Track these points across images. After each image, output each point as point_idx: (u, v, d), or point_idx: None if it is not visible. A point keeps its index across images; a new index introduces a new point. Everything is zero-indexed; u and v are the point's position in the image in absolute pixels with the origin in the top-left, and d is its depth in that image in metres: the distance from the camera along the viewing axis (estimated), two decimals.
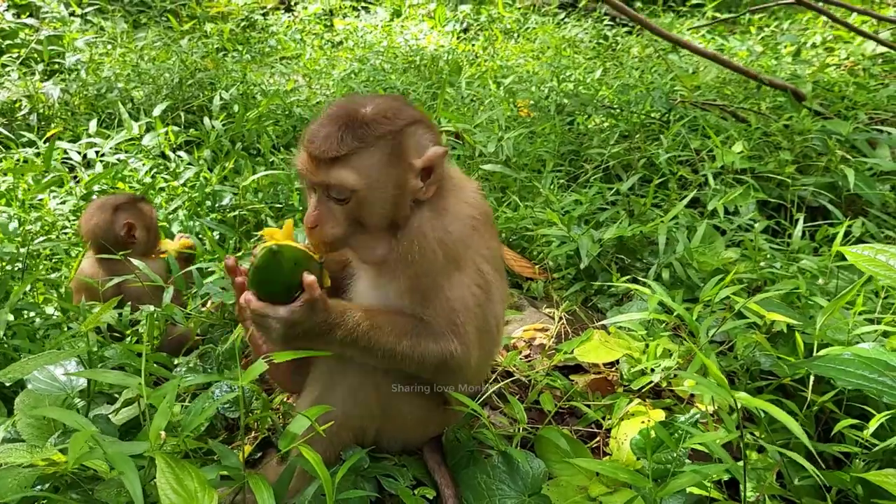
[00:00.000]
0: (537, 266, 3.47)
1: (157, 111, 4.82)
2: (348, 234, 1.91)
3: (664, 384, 2.43)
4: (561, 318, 2.95)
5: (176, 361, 2.84)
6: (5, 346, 2.61)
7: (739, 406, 1.57)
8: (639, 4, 11.96)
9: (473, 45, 10.12)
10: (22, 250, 3.40)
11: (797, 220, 3.55)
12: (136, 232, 3.41)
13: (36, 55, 6.53)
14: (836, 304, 2.37)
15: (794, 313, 2.67)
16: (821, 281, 3.19)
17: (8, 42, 6.71)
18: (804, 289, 2.89)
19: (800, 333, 2.49)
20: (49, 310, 3.17)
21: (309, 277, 1.76)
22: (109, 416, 2.26)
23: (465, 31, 11.07)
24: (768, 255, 3.38)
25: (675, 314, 2.39)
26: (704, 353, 2.29)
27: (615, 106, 5.86)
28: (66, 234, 3.99)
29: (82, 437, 1.46)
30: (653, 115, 5.49)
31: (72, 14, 7.88)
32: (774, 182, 4.33)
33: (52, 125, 5.25)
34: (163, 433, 1.70)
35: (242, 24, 10.27)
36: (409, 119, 1.88)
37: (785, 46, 9.26)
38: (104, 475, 1.77)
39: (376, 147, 1.83)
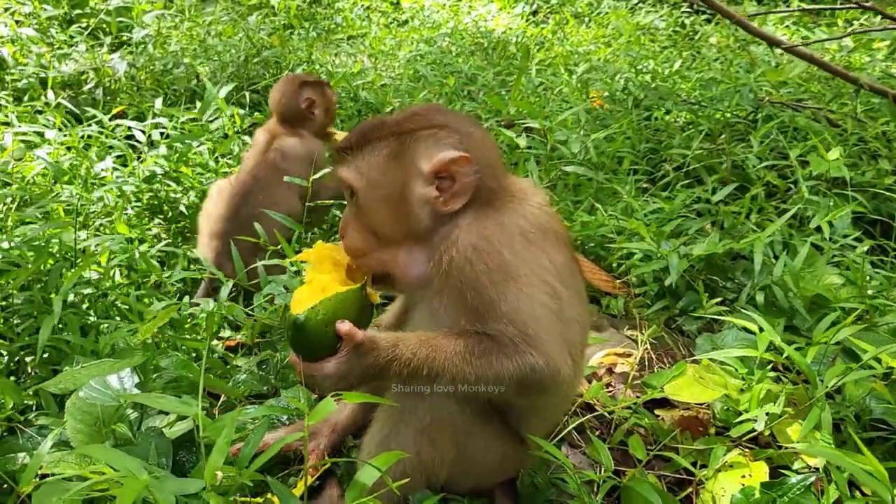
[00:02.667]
0: (617, 280, 3.22)
1: (222, 93, 4.69)
2: (372, 246, 1.86)
3: (766, 433, 2.18)
4: (645, 343, 2.71)
5: (235, 363, 2.71)
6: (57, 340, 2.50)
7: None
8: None
9: (543, 28, 9.80)
10: (82, 234, 3.31)
11: None
12: (316, 110, 3.78)
13: (105, 26, 6.48)
14: None
15: None
16: None
17: (77, 11, 6.66)
18: None
19: None
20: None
21: (344, 327, 1.67)
22: (163, 429, 2.13)
23: (535, 13, 10.73)
24: (869, 278, 3.08)
25: (784, 355, 2.13)
26: (821, 404, 2.04)
27: (696, 102, 5.52)
28: (126, 215, 3.89)
29: (134, 487, 1.30)
30: (739, 114, 5.15)
31: None
32: (870, 194, 3.99)
33: (118, 100, 5.18)
34: (219, 473, 1.54)
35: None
36: (425, 124, 1.80)
37: (875, 41, 8.70)
38: None
39: (378, 147, 1.80)
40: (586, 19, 10.41)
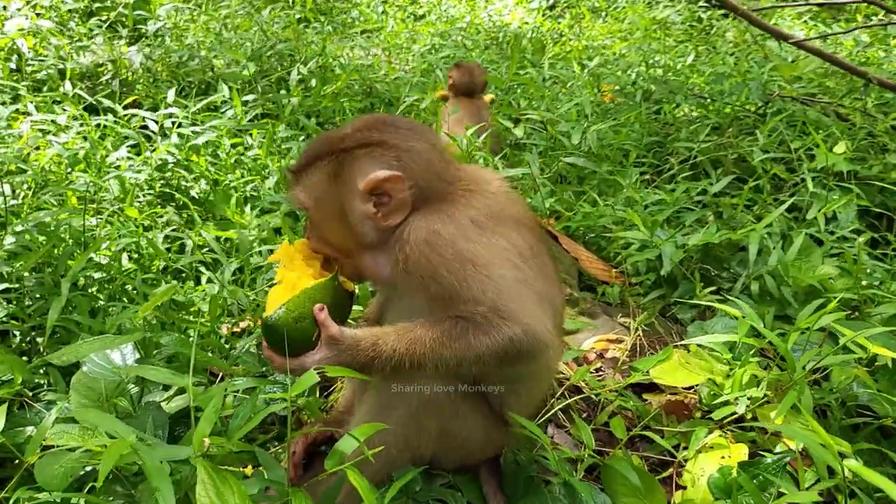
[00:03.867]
0: (614, 269, 3.26)
1: (247, 70, 4.76)
2: (335, 254, 1.96)
3: (749, 416, 2.22)
4: (637, 330, 2.75)
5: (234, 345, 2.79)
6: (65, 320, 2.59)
7: (845, 475, 1.36)
8: None
9: (559, 22, 9.81)
10: (92, 221, 3.41)
11: None
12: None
13: (123, 19, 6.60)
14: None
15: None
16: None
17: (98, 5, 6.79)
18: None
19: None
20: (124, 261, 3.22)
21: (321, 314, 1.77)
22: (162, 403, 2.21)
23: (552, 7, 10.74)
24: (869, 271, 3.09)
25: (767, 340, 2.17)
26: (799, 388, 2.08)
27: (706, 95, 5.53)
28: (139, 202, 3.99)
29: (117, 448, 1.37)
30: (748, 107, 5.15)
31: None
32: (877, 188, 3.98)
33: (134, 91, 5.29)
34: (206, 440, 1.61)
35: None
36: (363, 141, 1.85)
37: (893, 37, 8.61)
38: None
39: (320, 167, 1.87)
40: (603, 14, 10.41)
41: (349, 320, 2.03)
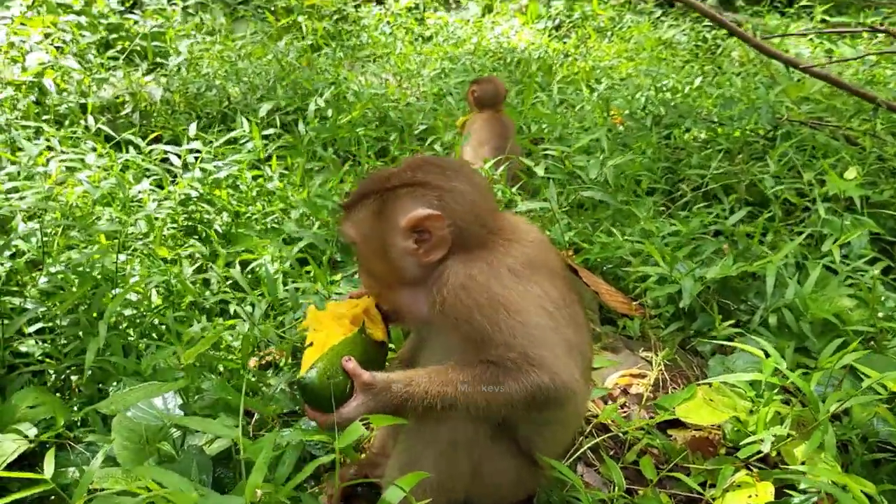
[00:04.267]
0: (634, 302, 3.32)
1: (263, 111, 4.88)
2: (379, 289, 2.08)
3: (773, 454, 2.28)
4: (659, 365, 2.82)
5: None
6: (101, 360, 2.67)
7: None
8: (741, 3, 11.45)
9: (565, 42, 9.91)
10: (122, 257, 3.49)
11: None
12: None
13: (140, 49, 6.72)
14: None
15: None
16: None
17: (113, 35, 6.92)
18: None
19: None
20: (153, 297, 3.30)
21: (349, 365, 1.85)
22: (203, 447, 2.28)
23: (558, 28, 10.85)
24: (884, 299, 3.14)
25: (789, 380, 2.23)
26: (823, 427, 2.14)
27: (715, 119, 5.61)
28: (163, 236, 4.07)
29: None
30: (758, 131, 5.22)
31: (172, 4, 8.06)
32: (889, 214, 4.04)
33: (153, 122, 5.39)
34: (258, 490, 1.68)
35: (335, 17, 10.34)
36: (407, 181, 1.94)
37: None
38: None
39: (367, 204, 1.98)
40: (609, 34, 10.51)
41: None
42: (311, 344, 1.95)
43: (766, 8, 10.90)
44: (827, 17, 10.29)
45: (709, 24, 9.99)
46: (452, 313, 1.85)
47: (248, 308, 3.28)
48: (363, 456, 2.41)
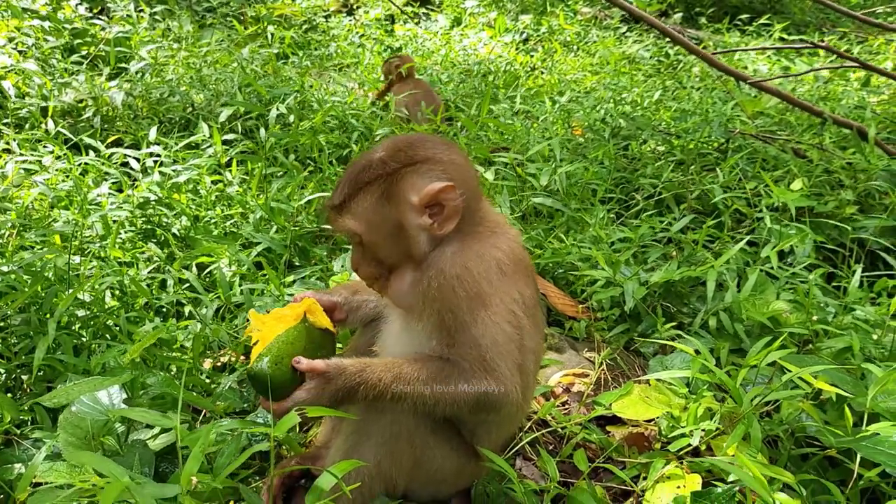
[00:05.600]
0: (581, 305, 3.41)
1: (223, 117, 4.91)
2: (383, 271, 2.06)
3: (703, 447, 2.37)
4: (601, 365, 2.90)
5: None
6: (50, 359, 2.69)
7: None
8: (703, 21, 11.73)
9: (532, 56, 10.07)
10: (76, 259, 3.50)
11: (854, 271, 3.42)
12: (402, 71, 6.85)
13: (104, 54, 6.71)
14: (889, 374, 2.28)
15: (845, 376, 2.58)
16: (875, 336, 3.08)
17: (78, 41, 6.90)
18: (857, 347, 2.79)
19: (850, 400, 2.41)
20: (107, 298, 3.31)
21: (302, 364, 1.86)
22: (147, 441, 2.31)
23: (525, 41, 11.01)
24: (821, 304, 3.26)
25: (717, 376, 2.32)
26: (747, 420, 2.23)
27: (672, 132, 5.75)
28: (120, 239, 4.08)
29: (115, 488, 1.48)
30: (713, 144, 5.37)
31: (139, 11, 8.06)
32: (833, 224, 4.18)
33: (115, 127, 5.39)
34: (194, 478, 1.72)
35: (305, 26, 10.40)
36: (407, 160, 1.95)
37: (854, 72, 8.96)
38: None
39: (368, 192, 1.95)
40: (575, 48, 10.69)
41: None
42: (256, 342, 2.00)
43: (727, 26, 11.16)
44: (785, 36, 10.57)
45: (670, 40, 10.21)
46: (441, 299, 1.90)
47: (203, 310, 3.31)
48: (306, 450, 2.45)
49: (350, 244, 2.09)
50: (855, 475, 2.17)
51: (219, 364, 3.13)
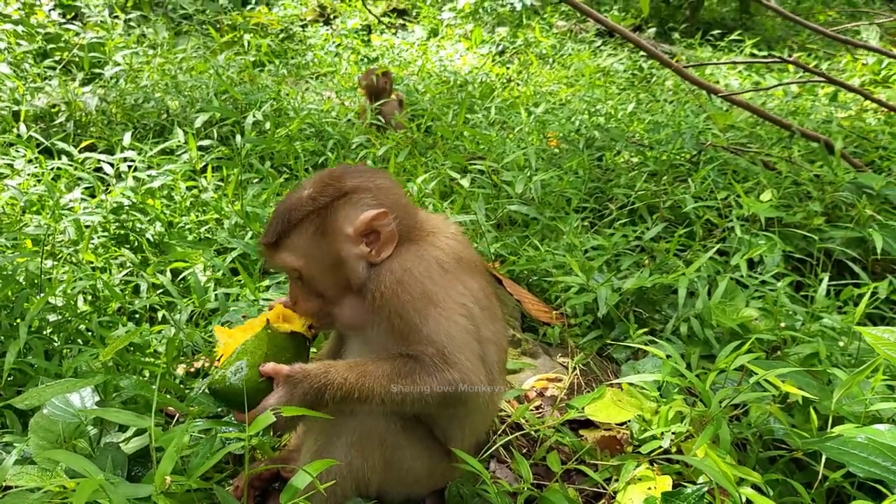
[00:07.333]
0: (555, 311, 3.45)
1: (198, 122, 4.89)
2: (322, 305, 2.07)
3: (674, 449, 2.40)
4: (575, 369, 2.94)
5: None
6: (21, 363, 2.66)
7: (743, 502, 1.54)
8: (676, 36, 11.92)
9: (508, 68, 10.16)
10: (48, 263, 3.47)
11: (822, 280, 3.49)
12: (388, 85, 6.92)
13: (77, 60, 6.66)
14: (854, 378, 2.33)
15: (811, 380, 2.63)
16: (842, 343, 3.15)
17: (52, 46, 6.85)
18: (824, 353, 2.85)
19: (816, 404, 2.46)
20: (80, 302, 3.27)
21: (266, 368, 1.90)
22: (120, 444, 2.29)
23: (501, 53, 11.11)
24: (790, 312, 3.33)
25: (688, 379, 2.37)
26: (717, 422, 2.27)
27: (645, 143, 5.84)
28: (93, 244, 4.05)
29: (88, 486, 1.47)
30: (685, 155, 5.46)
31: (114, 17, 8.02)
32: (801, 234, 4.27)
33: (89, 133, 5.35)
34: (168, 478, 1.72)
35: (282, 35, 10.41)
36: (336, 193, 1.98)
37: (822, 87, 9.15)
38: None
39: (303, 228, 1.97)
40: (550, 60, 10.81)
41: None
42: (221, 356, 2.00)
43: (700, 41, 11.36)
44: (756, 51, 10.77)
45: (644, 54, 10.37)
46: (387, 306, 1.92)
47: (177, 315, 3.30)
48: (278, 454, 2.45)
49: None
50: (820, 476, 2.22)
51: (192, 370, 3.11)
